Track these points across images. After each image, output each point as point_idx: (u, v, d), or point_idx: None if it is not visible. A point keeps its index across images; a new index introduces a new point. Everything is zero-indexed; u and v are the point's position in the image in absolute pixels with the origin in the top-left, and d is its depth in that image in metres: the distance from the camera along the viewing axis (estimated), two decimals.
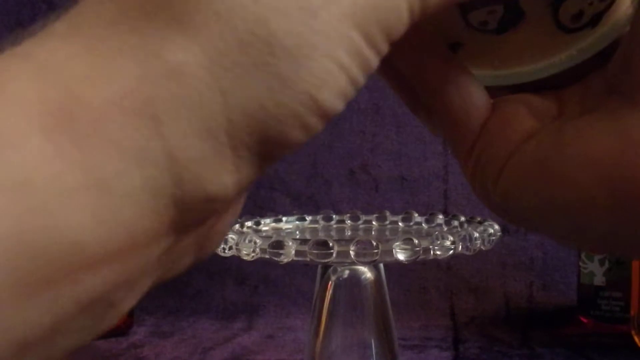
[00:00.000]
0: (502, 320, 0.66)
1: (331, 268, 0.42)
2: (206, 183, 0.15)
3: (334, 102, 0.15)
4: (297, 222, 0.50)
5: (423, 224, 0.48)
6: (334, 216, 0.50)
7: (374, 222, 0.50)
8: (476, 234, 0.38)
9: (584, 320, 0.58)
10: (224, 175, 0.15)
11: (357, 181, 0.73)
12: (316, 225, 0.50)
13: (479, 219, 0.45)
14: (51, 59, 0.15)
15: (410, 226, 0.49)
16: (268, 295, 0.71)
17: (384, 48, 0.16)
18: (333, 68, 0.15)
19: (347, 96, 0.16)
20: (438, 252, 0.37)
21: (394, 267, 0.69)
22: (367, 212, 0.51)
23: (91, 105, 0.14)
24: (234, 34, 0.14)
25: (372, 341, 0.42)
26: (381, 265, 0.43)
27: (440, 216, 0.48)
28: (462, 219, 0.46)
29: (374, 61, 0.16)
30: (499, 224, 0.43)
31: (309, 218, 0.50)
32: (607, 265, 0.57)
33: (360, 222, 0.50)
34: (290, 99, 0.15)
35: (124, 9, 0.14)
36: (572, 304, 0.61)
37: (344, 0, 0.15)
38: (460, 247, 0.37)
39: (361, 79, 0.16)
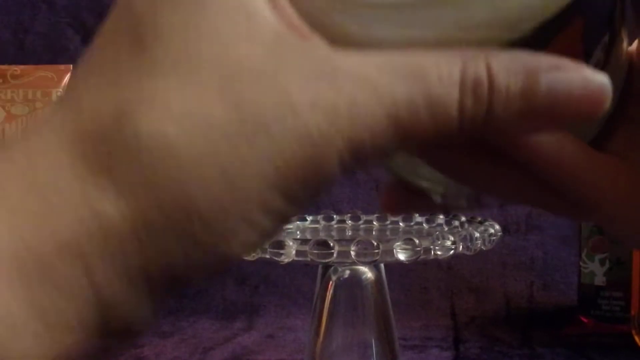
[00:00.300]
0: (503, 320, 0.66)
1: (332, 268, 0.42)
2: (128, 320, 0.17)
3: (242, 253, 0.17)
4: (297, 222, 0.50)
5: (424, 224, 0.48)
6: (334, 216, 0.50)
7: (374, 222, 0.50)
8: (477, 234, 0.38)
9: (585, 320, 0.58)
10: (141, 311, 0.17)
11: (358, 181, 0.73)
12: (317, 225, 0.50)
13: (479, 219, 0.45)
14: (6, 202, 0.16)
15: (411, 226, 0.49)
16: (268, 295, 0.71)
17: (307, 200, 0.17)
18: (246, 228, 0.16)
19: (256, 246, 0.17)
20: (439, 252, 0.37)
21: (394, 267, 0.69)
22: (367, 212, 0.51)
23: (38, 253, 0.15)
24: (157, 200, 0.16)
25: (373, 341, 0.42)
26: (382, 265, 0.43)
27: (441, 216, 0.48)
28: (463, 218, 0.46)
29: (293, 212, 0.17)
30: (499, 224, 0.43)
31: (309, 218, 0.50)
32: (607, 265, 0.57)
33: (360, 222, 0.50)
34: (200, 257, 0.16)
35: (75, 156, 0.16)
36: (573, 304, 0.61)
37: (266, 167, 0.16)
38: (461, 247, 0.37)
39: (275, 230, 0.17)
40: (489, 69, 0.16)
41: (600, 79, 0.16)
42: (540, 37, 0.18)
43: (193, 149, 0.15)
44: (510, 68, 0.16)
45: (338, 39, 0.17)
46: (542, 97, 0.16)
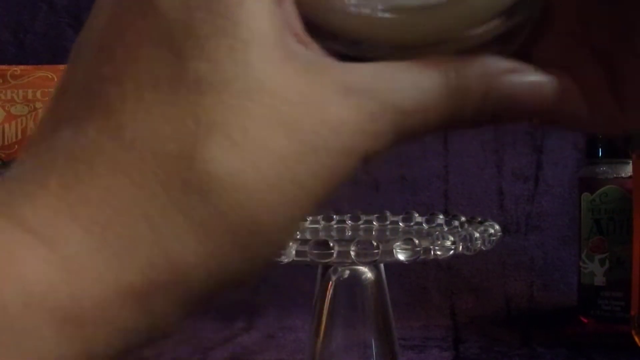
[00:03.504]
0: (503, 320, 0.66)
1: (331, 268, 0.42)
2: (166, 331, 0.18)
3: (268, 259, 0.17)
4: None
5: (423, 224, 0.48)
6: (334, 216, 0.50)
7: (374, 222, 0.50)
8: (476, 234, 0.38)
9: (585, 320, 0.58)
10: (178, 320, 0.18)
11: (358, 181, 0.73)
12: (317, 225, 0.50)
13: (479, 219, 0.45)
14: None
15: (411, 226, 0.49)
16: (268, 295, 0.71)
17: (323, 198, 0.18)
18: (282, 242, 0.17)
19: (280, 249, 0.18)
20: (438, 252, 0.37)
21: (394, 267, 0.69)
22: (367, 212, 0.51)
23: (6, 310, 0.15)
24: (229, 231, 0.16)
25: (373, 341, 0.42)
26: (381, 265, 0.43)
27: (441, 216, 0.48)
28: (463, 219, 0.46)
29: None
30: (499, 224, 0.43)
31: (309, 218, 0.50)
32: (607, 265, 0.57)
33: (360, 222, 0.50)
34: (257, 268, 0.17)
35: (145, 194, 0.16)
36: (573, 304, 0.61)
37: (316, 184, 0.17)
38: (461, 247, 0.37)
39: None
40: (460, 78, 0.18)
41: (546, 81, 0.19)
42: None
43: (258, 176, 0.16)
44: (474, 72, 0.18)
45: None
46: (503, 96, 0.19)
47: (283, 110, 0.16)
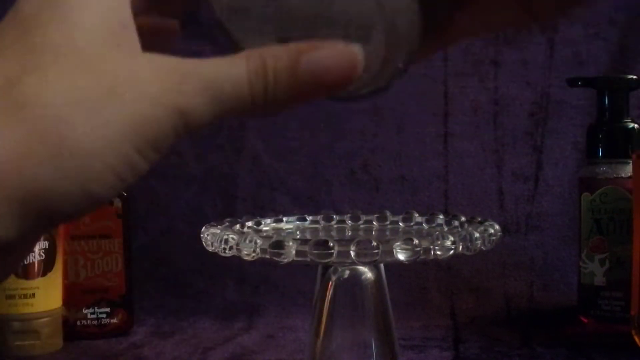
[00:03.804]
0: (503, 320, 0.66)
1: (331, 268, 0.42)
2: None
3: (102, 192, 0.22)
4: (297, 222, 0.50)
5: (423, 224, 0.48)
6: (334, 216, 0.50)
7: (374, 222, 0.50)
8: (476, 234, 0.38)
9: (585, 320, 0.58)
10: (9, 230, 0.21)
11: (358, 181, 0.73)
12: (317, 226, 0.50)
13: (479, 219, 0.45)
14: None
15: (411, 226, 0.49)
16: (268, 295, 0.71)
17: (154, 156, 0.23)
18: (108, 172, 0.22)
19: (114, 188, 0.22)
20: (438, 252, 0.37)
21: (394, 267, 0.69)
22: (367, 212, 0.51)
23: None
24: (38, 135, 0.21)
25: (373, 341, 0.42)
26: (381, 265, 0.43)
27: (441, 216, 0.48)
28: (463, 219, 0.46)
29: (144, 166, 0.23)
30: (499, 224, 0.43)
31: (309, 218, 0.50)
32: (607, 265, 0.57)
33: (360, 222, 0.50)
34: (69, 189, 0.21)
35: None
36: (573, 304, 0.61)
37: (125, 125, 0.22)
38: (461, 247, 0.37)
39: (130, 177, 0.22)
40: (262, 59, 0.23)
41: (350, 51, 0.23)
42: None
43: (67, 104, 0.21)
44: (276, 54, 0.23)
45: None
46: (303, 72, 0.22)
47: (92, 65, 0.22)
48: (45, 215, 0.22)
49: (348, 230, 0.50)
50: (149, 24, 0.27)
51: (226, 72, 0.23)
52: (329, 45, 0.23)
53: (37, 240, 0.25)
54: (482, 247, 0.39)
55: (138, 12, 0.25)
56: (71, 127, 0.21)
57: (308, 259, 0.36)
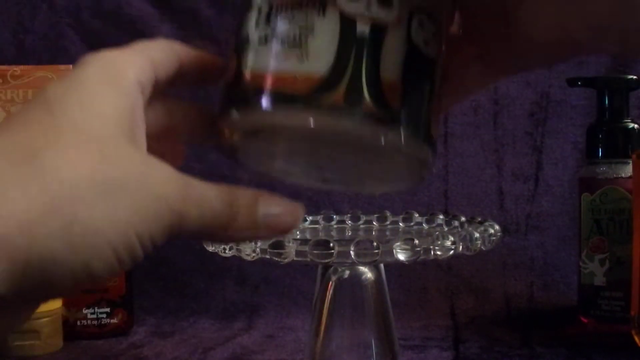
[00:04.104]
0: (503, 320, 0.66)
1: (331, 268, 0.42)
2: None
3: (100, 270, 0.24)
4: None
5: (423, 224, 0.48)
6: (334, 216, 0.50)
7: (374, 222, 0.50)
8: (476, 234, 0.38)
9: (585, 320, 0.58)
10: (4, 286, 0.22)
11: None
12: (317, 226, 0.50)
13: (479, 219, 0.45)
14: None
15: (411, 226, 0.49)
16: (268, 295, 0.71)
17: (148, 247, 0.25)
18: (108, 249, 0.24)
19: (112, 269, 0.24)
20: (438, 252, 0.37)
21: (394, 267, 0.69)
22: (367, 212, 0.51)
23: None
24: (53, 209, 0.23)
25: (373, 341, 0.42)
26: (381, 265, 0.43)
27: (441, 216, 0.48)
28: (463, 219, 0.46)
29: (140, 253, 0.25)
30: (499, 224, 0.43)
31: (309, 218, 0.50)
32: (607, 265, 0.57)
33: (360, 222, 0.50)
34: (72, 264, 0.23)
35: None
36: (573, 304, 0.61)
37: (131, 214, 0.24)
38: (461, 247, 0.37)
39: (127, 261, 0.24)
40: (234, 195, 0.27)
41: (296, 207, 0.29)
42: None
43: (83, 184, 0.23)
44: (244, 195, 0.28)
45: None
46: (261, 222, 0.28)
47: (109, 153, 0.25)
48: (45, 282, 0.23)
49: (348, 230, 0.50)
50: (161, 146, 0.30)
51: (214, 196, 0.27)
52: (277, 200, 0.29)
53: (34, 309, 0.27)
54: (482, 247, 0.39)
55: (154, 132, 0.29)
56: (84, 205, 0.23)
57: (308, 259, 0.36)
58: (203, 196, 0.26)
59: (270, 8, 0.28)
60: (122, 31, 0.74)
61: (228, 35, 0.75)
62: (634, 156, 0.53)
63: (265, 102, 0.27)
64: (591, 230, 0.58)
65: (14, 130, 0.25)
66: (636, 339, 0.52)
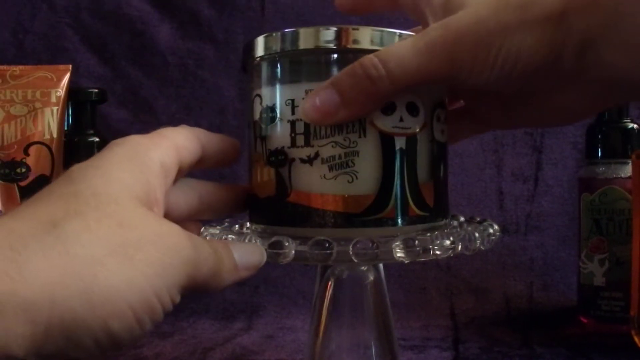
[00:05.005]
0: (503, 321, 0.66)
1: (331, 268, 0.42)
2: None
3: (121, 331, 0.25)
4: None
5: None
6: None
7: None
8: (476, 234, 0.38)
9: (584, 320, 0.58)
10: (20, 349, 0.23)
11: None
12: None
13: (478, 219, 0.45)
14: None
15: None
16: (268, 295, 0.71)
17: (167, 304, 0.27)
18: (128, 310, 0.25)
19: (132, 331, 0.25)
20: (438, 252, 0.37)
21: (394, 267, 0.69)
22: None
23: None
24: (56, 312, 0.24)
25: (372, 341, 0.42)
26: (381, 265, 0.43)
27: None
28: (462, 219, 0.46)
29: (160, 312, 0.27)
30: (499, 224, 0.43)
31: None
32: (607, 265, 0.57)
33: None
34: (92, 321, 0.24)
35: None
36: (572, 304, 0.61)
37: (149, 271, 0.26)
38: (460, 247, 0.37)
39: (147, 321, 0.26)
40: (218, 253, 0.30)
41: (260, 251, 0.33)
42: None
43: (102, 248, 0.25)
44: (223, 250, 0.31)
45: None
46: (239, 263, 0.31)
47: (127, 218, 0.26)
48: (67, 343, 0.24)
49: None
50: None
51: (207, 244, 0.29)
52: (244, 244, 0.32)
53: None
54: (481, 247, 0.39)
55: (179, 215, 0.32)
56: (103, 268, 0.24)
57: (308, 259, 0.36)
58: (203, 244, 0.29)
59: (307, 129, 0.30)
60: (122, 31, 0.74)
61: (228, 36, 0.75)
62: (633, 156, 0.53)
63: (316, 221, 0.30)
64: (591, 230, 0.58)
65: (38, 204, 0.26)
66: (636, 339, 0.52)
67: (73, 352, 0.24)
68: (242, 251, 0.31)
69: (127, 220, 0.26)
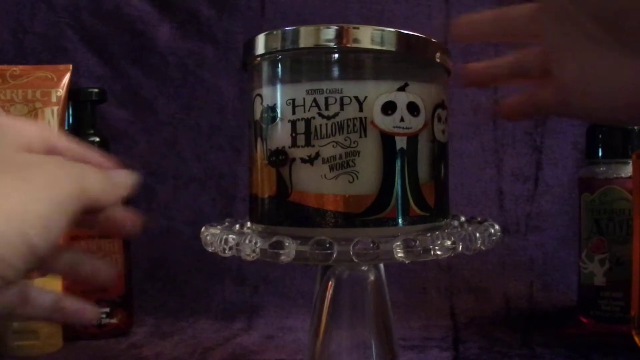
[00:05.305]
0: (503, 321, 0.66)
1: (331, 268, 0.42)
2: None
3: (39, 241, 0.27)
4: None
5: None
6: None
7: None
8: (476, 234, 0.38)
9: (584, 320, 0.58)
10: None
11: None
12: None
13: (478, 219, 0.45)
14: None
15: None
16: (268, 295, 0.71)
17: (73, 209, 0.29)
18: (41, 222, 0.27)
19: (47, 238, 0.27)
20: (438, 252, 0.37)
21: (394, 267, 0.69)
22: None
23: None
24: None
25: (372, 341, 0.42)
26: (381, 265, 0.43)
27: None
28: (462, 219, 0.46)
29: (68, 215, 0.28)
30: (499, 224, 0.43)
31: None
32: (607, 265, 0.57)
33: None
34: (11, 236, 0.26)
35: None
36: (572, 304, 0.61)
37: (51, 188, 0.28)
38: (461, 247, 0.37)
39: (56, 227, 0.28)
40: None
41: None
42: None
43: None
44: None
45: None
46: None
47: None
48: None
49: None
50: None
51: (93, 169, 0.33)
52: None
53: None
54: (482, 247, 0.39)
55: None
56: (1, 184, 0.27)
57: (308, 259, 0.36)
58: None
59: (308, 128, 0.30)
60: (122, 31, 0.74)
61: (227, 36, 0.75)
62: (633, 156, 0.53)
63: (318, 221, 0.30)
64: (591, 230, 0.58)
65: None
66: (636, 339, 0.52)
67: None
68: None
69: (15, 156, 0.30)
